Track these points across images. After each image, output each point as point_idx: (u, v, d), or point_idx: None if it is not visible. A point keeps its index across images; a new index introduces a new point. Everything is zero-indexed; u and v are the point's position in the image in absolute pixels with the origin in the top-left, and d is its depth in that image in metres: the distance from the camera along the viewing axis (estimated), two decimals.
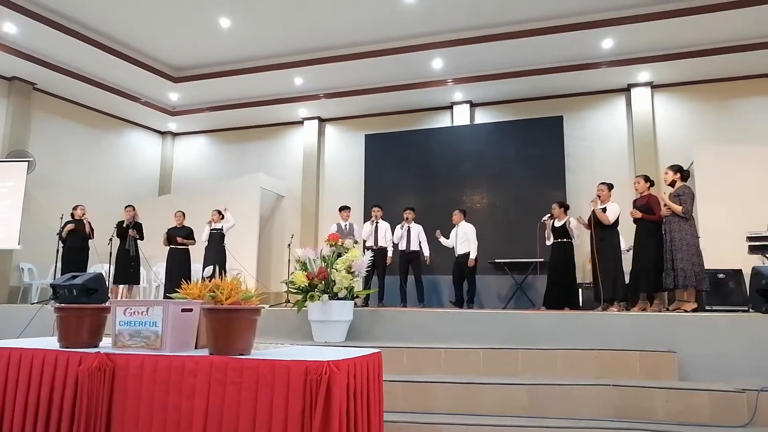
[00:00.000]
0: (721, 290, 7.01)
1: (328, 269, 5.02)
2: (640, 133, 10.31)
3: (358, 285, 5.21)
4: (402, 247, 8.31)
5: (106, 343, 2.70)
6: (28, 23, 8.60)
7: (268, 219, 12.23)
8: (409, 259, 8.29)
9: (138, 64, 10.26)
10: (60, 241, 8.42)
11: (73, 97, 11.26)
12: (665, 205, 5.87)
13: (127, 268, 8.53)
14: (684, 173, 6.07)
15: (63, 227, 8.40)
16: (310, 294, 4.94)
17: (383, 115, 11.87)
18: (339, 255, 5.23)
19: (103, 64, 10.11)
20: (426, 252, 8.38)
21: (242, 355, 2.35)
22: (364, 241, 8.32)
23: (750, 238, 6.87)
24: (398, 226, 8.46)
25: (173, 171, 13.60)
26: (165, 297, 8.27)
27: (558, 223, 7.29)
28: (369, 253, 5.47)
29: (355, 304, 5.34)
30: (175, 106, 12.31)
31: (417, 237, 8.34)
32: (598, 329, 4.65)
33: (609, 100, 10.74)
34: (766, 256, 6.99)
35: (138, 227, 8.74)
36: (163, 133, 13.54)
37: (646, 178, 6.39)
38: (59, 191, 10.60)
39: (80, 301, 5.38)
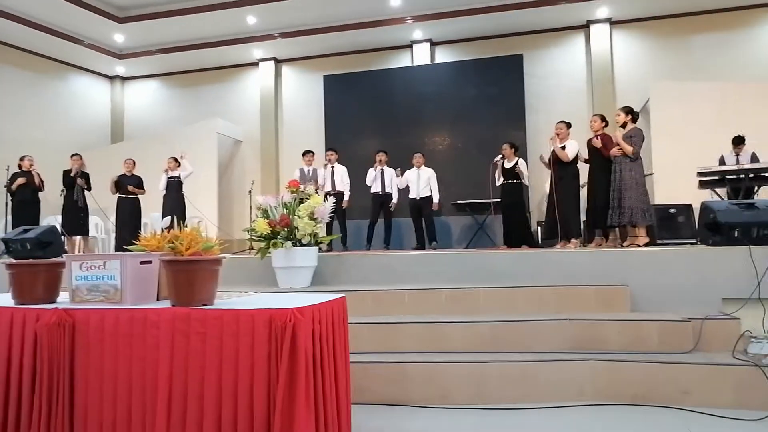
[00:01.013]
0: (672, 224, 7.30)
1: (290, 216, 4.98)
2: (598, 71, 10.37)
3: (321, 231, 5.20)
4: (376, 189, 8.30)
5: (63, 298, 2.64)
6: None
7: (227, 165, 11.98)
8: (381, 201, 8.31)
9: (78, 3, 9.62)
10: (8, 194, 8.07)
11: (10, 40, 10.55)
12: (617, 144, 5.98)
13: (77, 219, 8.26)
14: (635, 114, 6.18)
15: (11, 180, 8.03)
16: (273, 241, 4.92)
17: (342, 54, 11.57)
18: (301, 201, 5.19)
19: (40, 4, 9.44)
20: (394, 198, 8.40)
21: (205, 305, 2.33)
22: (322, 187, 8.25)
23: (700, 173, 7.10)
24: (371, 169, 8.41)
25: (125, 117, 13.08)
26: (119, 248, 8.12)
27: (508, 164, 7.38)
28: (332, 199, 5.42)
29: (320, 249, 5.35)
30: (122, 48, 11.69)
31: (390, 180, 8.33)
32: (556, 266, 4.79)
33: (568, 37, 10.71)
34: (715, 191, 7.27)
35: (85, 177, 8.42)
36: (111, 78, 12.91)
37: (602, 118, 6.48)
38: (2, 142, 10.08)
39: (35, 255, 5.21)
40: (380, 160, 8.34)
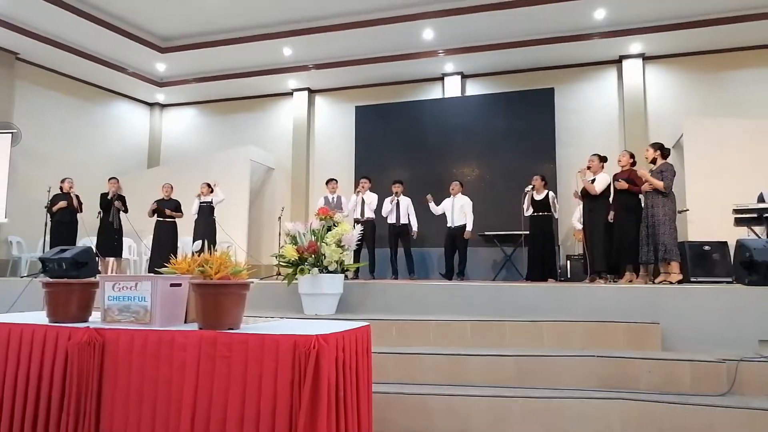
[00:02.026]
0: (706, 262, 7.09)
1: (318, 243, 5.03)
2: (630, 106, 10.30)
3: (348, 258, 5.23)
4: (391, 220, 8.35)
5: (95, 318, 2.71)
6: None
7: (258, 192, 12.18)
8: (398, 232, 8.34)
9: (124, 33, 10.05)
10: (48, 215, 8.36)
11: (58, 68, 11.04)
12: (646, 181, 5.89)
13: (111, 241, 8.49)
14: (665, 151, 6.10)
15: (52, 201, 8.31)
16: (300, 267, 4.96)
17: (374, 86, 11.75)
18: (329, 228, 5.24)
19: (88, 34, 9.89)
20: (414, 226, 8.40)
21: (231, 329, 2.36)
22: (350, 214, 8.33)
23: (736, 211, 6.93)
24: (387, 200, 8.46)
25: (162, 143, 13.46)
26: (151, 270, 8.28)
27: (538, 196, 7.34)
28: (359, 227, 5.46)
29: (346, 276, 5.37)
30: (162, 77, 12.11)
31: (406, 210, 8.37)
32: (584, 301, 4.71)
33: (600, 72, 10.69)
34: (752, 229, 7.07)
35: (122, 199, 8.67)
36: (151, 105, 13.36)
37: (631, 155, 6.44)
38: (45, 164, 10.48)
39: (70, 275, 5.31)
40: (396, 192, 8.40)
